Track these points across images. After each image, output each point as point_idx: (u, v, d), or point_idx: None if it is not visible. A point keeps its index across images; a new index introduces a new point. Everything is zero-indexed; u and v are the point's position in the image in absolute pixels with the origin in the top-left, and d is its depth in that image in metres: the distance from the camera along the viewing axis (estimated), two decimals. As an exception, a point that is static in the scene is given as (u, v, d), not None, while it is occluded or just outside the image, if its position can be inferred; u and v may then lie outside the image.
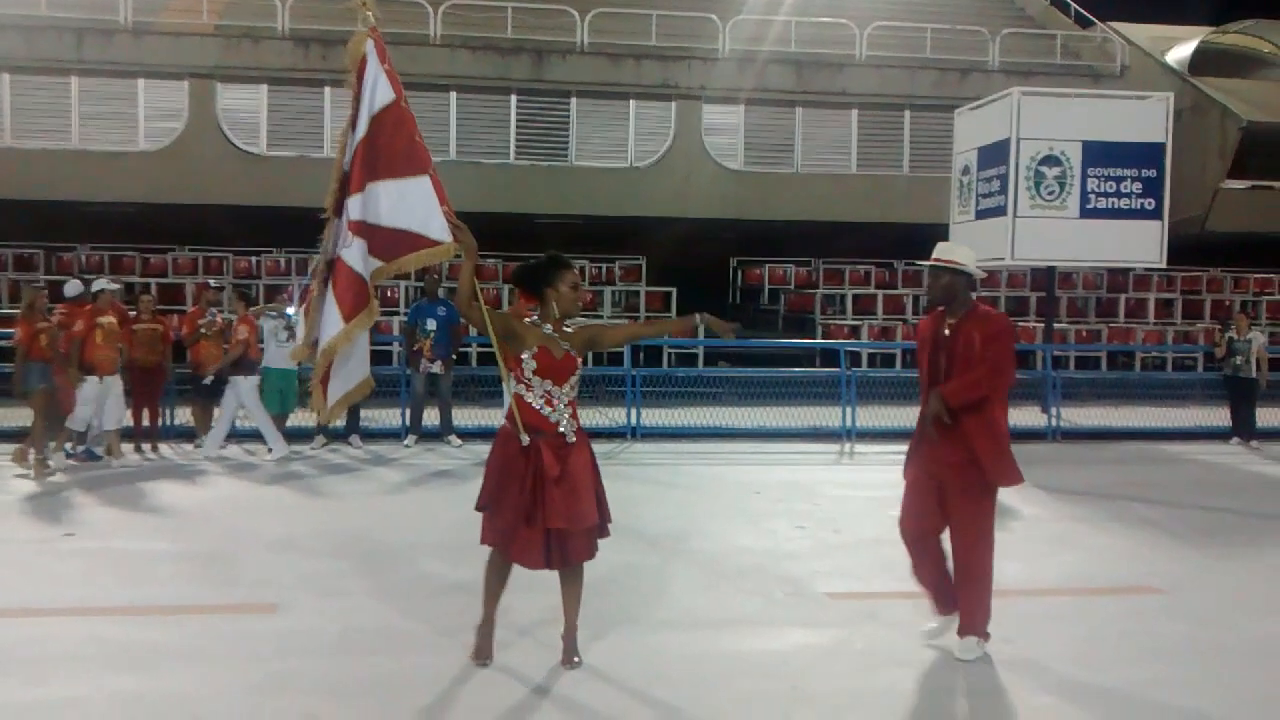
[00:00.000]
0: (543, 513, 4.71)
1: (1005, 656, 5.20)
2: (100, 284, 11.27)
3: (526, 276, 4.95)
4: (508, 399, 4.94)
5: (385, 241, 4.97)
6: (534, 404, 4.81)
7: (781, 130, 21.69)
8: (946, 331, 5.26)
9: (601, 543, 5.02)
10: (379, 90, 5.02)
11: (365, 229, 4.93)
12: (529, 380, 4.80)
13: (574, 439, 4.86)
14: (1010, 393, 5.34)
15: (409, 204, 4.97)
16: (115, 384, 10.73)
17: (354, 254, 4.94)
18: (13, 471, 10.00)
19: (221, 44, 19.79)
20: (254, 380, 11.30)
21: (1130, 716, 4.61)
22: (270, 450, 11.23)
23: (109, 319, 10.68)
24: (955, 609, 5.34)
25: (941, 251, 5.36)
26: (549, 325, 4.88)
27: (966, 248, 5.51)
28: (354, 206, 4.95)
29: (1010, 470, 5.20)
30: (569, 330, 4.94)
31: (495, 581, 4.97)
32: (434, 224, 4.93)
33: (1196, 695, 4.80)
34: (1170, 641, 5.46)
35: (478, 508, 4.93)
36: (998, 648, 5.24)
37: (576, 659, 4.98)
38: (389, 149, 4.99)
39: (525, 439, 4.76)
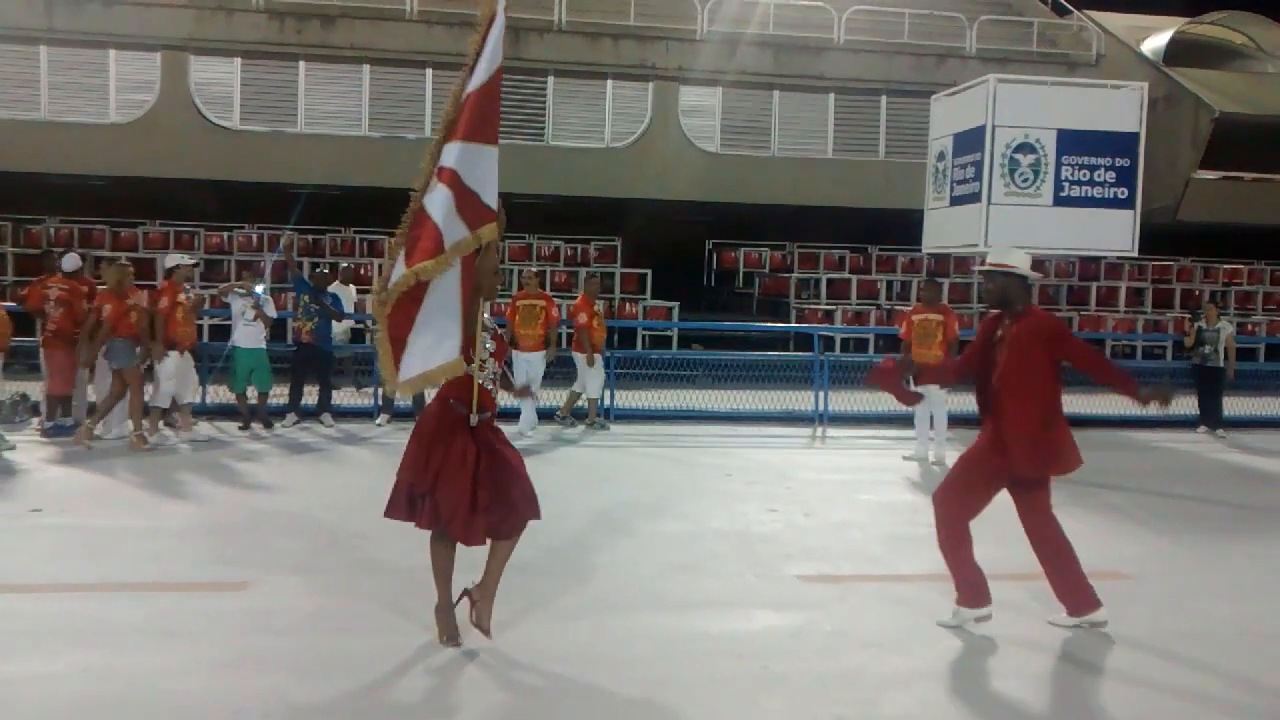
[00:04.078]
0: (493, 489, 4.76)
1: (973, 640, 5.27)
2: (175, 259, 11.36)
3: None
4: (481, 379, 4.91)
5: (466, 202, 4.70)
6: (486, 385, 4.94)
7: (759, 113, 21.68)
8: (1000, 333, 5.39)
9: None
10: (499, 50, 4.83)
11: (456, 182, 4.67)
12: (484, 361, 4.91)
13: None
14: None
15: (483, 170, 4.77)
16: (190, 360, 10.93)
17: (435, 201, 4.66)
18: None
19: (194, 16, 19.52)
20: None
21: (1096, 699, 4.68)
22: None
23: (185, 296, 10.73)
24: (1078, 606, 5.46)
25: (994, 256, 5.52)
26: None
27: (1020, 251, 5.63)
28: (449, 153, 4.70)
29: (1034, 460, 5.38)
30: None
31: (444, 562, 4.97)
32: (491, 196, 4.76)
33: (1162, 677, 4.89)
34: (1135, 626, 5.53)
35: (417, 493, 4.83)
36: (965, 630, 5.31)
37: (488, 634, 4.89)
38: (483, 109, 4.81)
39: (475, 419, 4.83)
